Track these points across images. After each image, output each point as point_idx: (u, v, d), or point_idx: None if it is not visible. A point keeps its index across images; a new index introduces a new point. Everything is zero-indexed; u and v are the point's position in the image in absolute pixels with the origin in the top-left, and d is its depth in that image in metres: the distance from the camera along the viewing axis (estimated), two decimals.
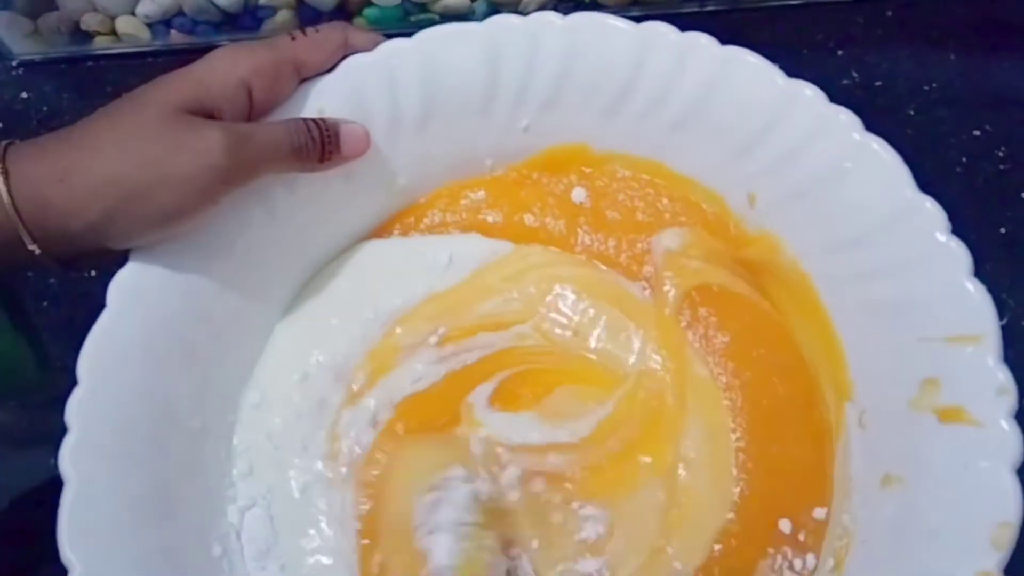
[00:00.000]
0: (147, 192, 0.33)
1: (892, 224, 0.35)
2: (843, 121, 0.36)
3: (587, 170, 0.43)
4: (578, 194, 0.43)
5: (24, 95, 0.54)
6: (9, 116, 0.53)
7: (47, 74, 0.55)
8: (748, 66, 0.38)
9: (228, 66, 0.36)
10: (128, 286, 0.35)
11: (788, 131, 0.37)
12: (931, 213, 0.34)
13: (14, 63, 0.55)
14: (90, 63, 0.55)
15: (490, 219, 0.43)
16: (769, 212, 0.39)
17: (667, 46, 0.38)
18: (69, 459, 0.32)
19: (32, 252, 0.33)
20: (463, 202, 0.43)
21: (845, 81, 0.53)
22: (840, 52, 0.54)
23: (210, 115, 0.35)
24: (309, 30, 0.38)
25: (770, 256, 0.40)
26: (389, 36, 0.40)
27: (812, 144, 0.37)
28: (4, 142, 0.34)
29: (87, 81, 0.54)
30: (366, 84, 0.39)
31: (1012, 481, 0.30)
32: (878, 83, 0.53)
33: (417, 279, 0.42)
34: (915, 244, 0.34)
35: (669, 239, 0.41)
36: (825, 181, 0.37)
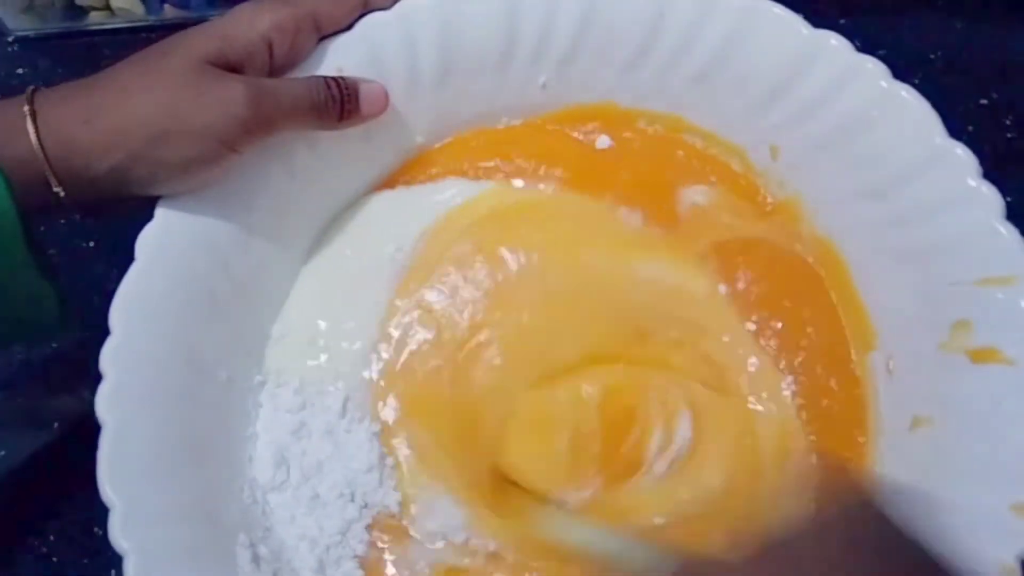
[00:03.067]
0: (170, 137, 0.33)
1: (923, 170, 0.35)
2: (870, 69, 0.36)
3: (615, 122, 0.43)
4: (603, 141, 0.43)
5: (20, 71, 0.54)
6: (6, 92, 0.51)
7: (43, 50, 0.54)
8: (772, 16, 0.38)
9: (250, 21, 0.36)
10: (155, 240, 0.35)
11: (813, 81, 0.37)
12: (962, 158, 0.34)
13: (10, 39, 0.54)
14: (85, 38, 0.54)
15: (496, 165, 0.43)
16: (793, 164, 0.39)
17: None
18: (105, 404, 0.32)
19: (57, 194, 0.33)
20: (474, 145, 0.43)
21: None
22: (843, 21, 0.52)
23: (232, 69, 0.35)
24: None
25: (792, 225, 0.40)
26: None
27: (838, 93, 0.37)
28: (31, 87, 0.34)
29: (83, 56, 0.54)
30: (384, 42, 0.39)
31: None
32: (882, 52, 0.50)
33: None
34: (946, 189, 0.34)
35: (696, 194, 0.41)
36: (852, 130, 0.37)
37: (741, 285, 0.40)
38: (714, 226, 0.41)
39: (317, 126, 0.38)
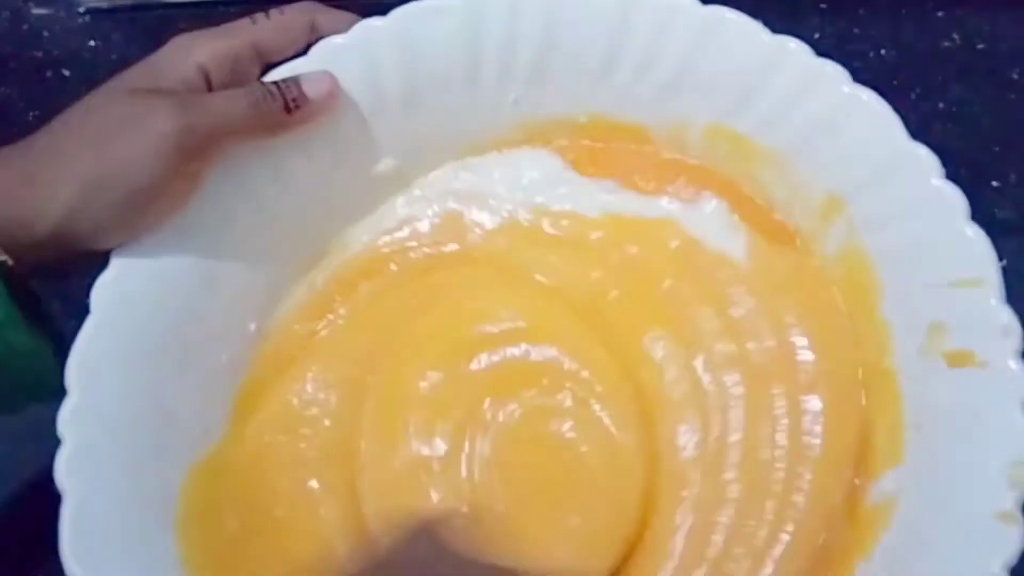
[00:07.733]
0: (104, 177, 0.32)
1: (887, 174, 0.34)
2: (830, 74, 0.35)
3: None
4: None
5: (92, 43, 0.53)
6: (78, 65, 0.52)
7: (115, 22, 0.53)
8: (732, 24, 0.37)
9: (183, 52, 0.35)
10: (112, 289, 0.34)
11: (777, 88, 0.37)
12: (925, 160, 0.33)
13: (81, 10, 0.53)
14: (159, 11, 0.53)
15: None
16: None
17: (649, 7, 0.38)
18: (66, 471, 0.31)
19: (4, 263, 0.32)
20: None
21: (946, 43, 0.50)
22: (940, 13, 0.51)
23: None
24: (273, 12, 0.37)
25: None
26: (365, 13, 0.38)
27: (801, 99, 0.36)
28: None
29: (156, 29, 0.52)
30: (343, 69, 0.38)
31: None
32: (980, 46, 0.49)
33: None
34: (911, 192, 0.34)
35: None
36: (818, 136, 0.36)
37: None
38: None
39: (264, 128, 0.36)
